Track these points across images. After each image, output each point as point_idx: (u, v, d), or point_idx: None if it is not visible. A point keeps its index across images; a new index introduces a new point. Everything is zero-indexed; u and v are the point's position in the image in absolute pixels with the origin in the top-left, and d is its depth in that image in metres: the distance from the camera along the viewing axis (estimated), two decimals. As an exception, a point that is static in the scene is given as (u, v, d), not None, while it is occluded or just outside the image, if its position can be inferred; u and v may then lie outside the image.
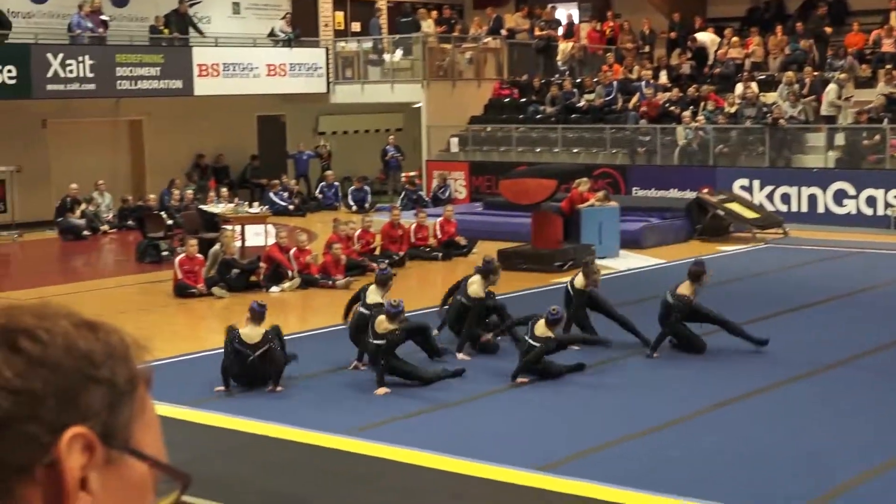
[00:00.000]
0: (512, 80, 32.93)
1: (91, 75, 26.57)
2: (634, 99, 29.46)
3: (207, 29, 30.25)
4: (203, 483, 6.85)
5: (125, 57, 27.43)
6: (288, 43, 31.40)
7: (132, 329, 1.29)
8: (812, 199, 25.01)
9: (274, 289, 18.10)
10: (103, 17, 28.28)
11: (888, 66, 27.16)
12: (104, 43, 27.95)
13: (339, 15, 35.29)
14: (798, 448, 9.79)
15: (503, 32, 33.48)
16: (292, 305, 17.48)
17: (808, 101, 26.99)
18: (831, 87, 26.72)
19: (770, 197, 25.42)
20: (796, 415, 10.86)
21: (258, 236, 21.58)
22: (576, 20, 35.46)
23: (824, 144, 26.16)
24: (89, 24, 27.64)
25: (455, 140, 31.10)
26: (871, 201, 24.38)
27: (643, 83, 29.78)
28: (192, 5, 30.38)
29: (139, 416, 1.23)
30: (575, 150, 29.21)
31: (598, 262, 20.11)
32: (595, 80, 30.95)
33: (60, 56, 26.10)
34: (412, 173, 30.37)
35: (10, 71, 25.25)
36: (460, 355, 13.12)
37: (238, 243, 19.96)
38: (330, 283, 18.10)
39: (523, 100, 32.06)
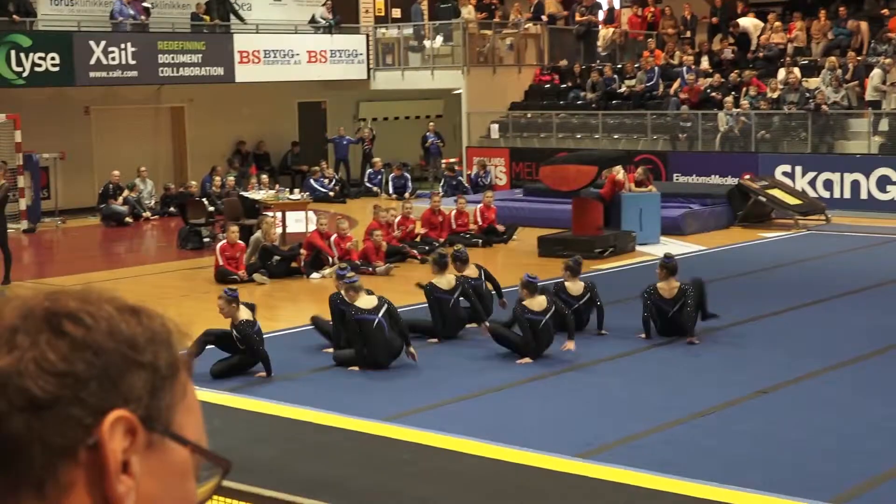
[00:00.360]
0: (552, 66, 32.83)
1: (133, 62, 26.74)
2: (675, 85, 29.31)
3: (248, 16, 30.34)
4: (242, 468, 6.91)
5: (167, 44, 27.57)
6: (328, 29, 31.45)
7: (173, 315, 1.31)
8: (855, 186, 24.81)
9: (314, 275, 18.17)
10: (145, 5, 28.45)
11: (933, 51, 26.90)
12: (146, 30, 28.12)
13: (380, 1, 35.32)
14: (837, 436, 9.73)
15: (544, 18, 33.39)
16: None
17: (851, 86, 26.75)
18: (876, 72, 26.47)
19: (812, 183, 25.23)
20: (835, 403, 10.80)
21: (299, 223, 21.67)
22: (616, 5, 35.30)
23: (868, 130, 25.93)
24: (131, 12, 27.80)
25: (495, 126, 31.06)
26: (916, 188, 24.19)
27: (684, 69, 29.62)
28: (233, -8, 30.50)
29: (180, 400, 1.24)
30: (615, 137, 29.11)
31: (638, 248, 20.14)
32: (636, 65, 30.82)
33: (103, 43, 26.28)
34: (452, 160, 30.36)
35: (53, 58, 25.45)
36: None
37: (279, 230, 20.05)
38: (370, 269, 18.13)
39: (564, 86, 31.97)
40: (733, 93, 27.91)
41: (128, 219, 26.13)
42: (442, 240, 20.62)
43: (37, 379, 1.15)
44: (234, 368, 12.04)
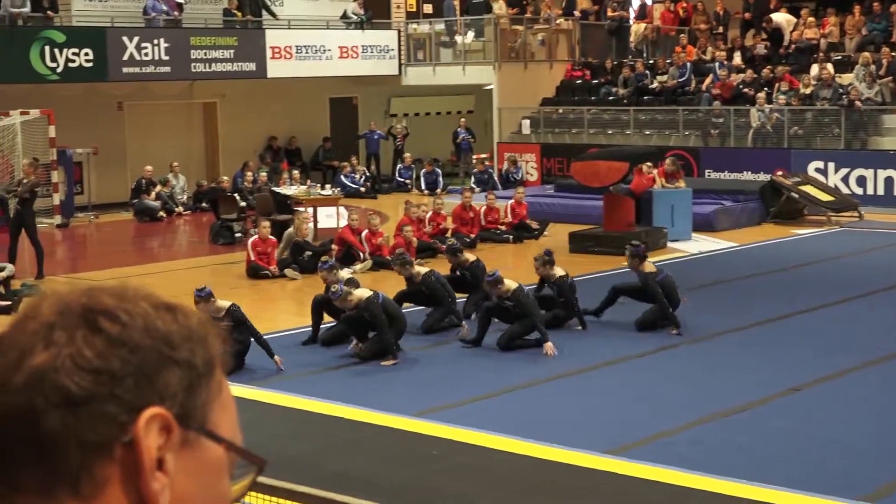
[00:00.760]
0: (584, 62, 32.77)
1: (166, 58, 26.87)
2: (708, 80, 29.19)
3: (280, 11, 30.40)
4: (274, 464, 6.92)
5: (199, 40, 27.68)
6: (360, 25, 31.49)
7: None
8: (888, 182, 24.64)
9: (346, 270, 18.20)
10: (178, 0, 28.56)
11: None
12: (179, 26, 28.23)
13: (411, -3, 35.34)
14: (867, 435, 9.68)
15: (576, 13, 33.31)
16: (364, 287, 17.52)
17: (885, 81, 26.57)
18: (910, 67, 26.31)
19: (845, 180, 25.08)
20: (867, 401, 10.73)
21: (330, 218, 21.71)
22: (649, 1, 35.18)
23: (902, 126, 25.77)
24: (164, 7, 27.92)
25: (526, 122, 31.03)
26: (950, 184, 24.02)
27: (717, 64, 29.49)
28: (265, -12, 30.57)
29: (216, 398, 1.23)
30: (647, 133, 29.03)
31: (670, 244, 20.09)
32: (668, 61, 30.72)
33: (136, 39, 26.42)
34: (483, 155, 30.34)
35: (86, 54, 25.60)
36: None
37: (310, 225, 20.09)
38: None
39: (595, 81, 31.91)
40: (766, 89, 27.78)
41: (160, 214, 26.25)
42: (473, 235, 20.62)
43: (73, 375, 1.16)
44: None
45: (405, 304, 13.75)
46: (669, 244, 20.17)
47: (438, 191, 28.21)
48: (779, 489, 8.09)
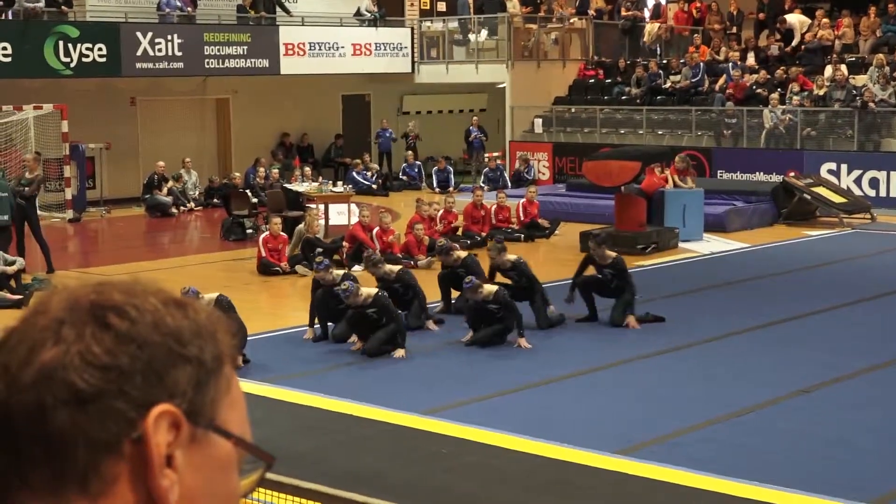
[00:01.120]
0: (597, 61, 32.74)
1: (179, 54, 26.91)
2: (721, 81, 29.14)
3: (294, 8, 30.43)
4: (282, 460, 6.93)
5: (213, 36, 27.72)
6: (374, 22, 31.49)
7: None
8: (901, 184, 24.59)
9: (356, 267, 18.19)
10: (192, -4, 28.62)
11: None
12: (192, 22, 28.27)
13: (425, -6, 35.34)
14: (878, 437, 9.66)
15: (591, 13, 33.28)
16: (374, 284, 17.54)
17: (899, 84, 26.52)
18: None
19: (858, 181, 25.02)
20: (878, 403, 10.70)
21: (341, 215, 21.72)
22: (663, 1, 35.12)
23: (915, 128, 25.70)
24: (178, 3, 27.97)
25: (539, 121, 31.01)
26: (963, 187, 23.94)
27: (730, 65, 29.45)
28: (279, -15, 30.60)
29: (225, 394, 1.23)
30: (660, 132, 29.00)
31: (681, 245, 20.06)
32: (681, 61, 30.67)
33: (149, 35, 26.46)
34: (495, 154, 30.34)
35: (100, 49, 25.65)
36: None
37: (322, 222, 20.11)
38: (412, 262, 18.15)
39: (608, 81, 31.88)
40: (779, 89, 27.72)
41: (172, 209, 26.29)
42: (484, 234, 20.62)
43: (81, 372, 1.15)
44: None
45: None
46: (681, 244, 20.14)
47: (450, 189, 28.22)
48: (787, 491, 8.07)
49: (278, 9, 30.05)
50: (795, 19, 30.74)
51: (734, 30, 32.85)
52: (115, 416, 1.16)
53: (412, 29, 32.62)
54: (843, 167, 25.26)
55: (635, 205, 20.15)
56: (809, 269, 18.06)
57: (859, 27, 29.79)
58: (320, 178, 23.91)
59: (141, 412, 1.16)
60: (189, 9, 28.35)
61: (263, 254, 18.06)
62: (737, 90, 28.34)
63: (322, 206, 21.36)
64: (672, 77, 30.35)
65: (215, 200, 26.40)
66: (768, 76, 28.47)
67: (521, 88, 31.04)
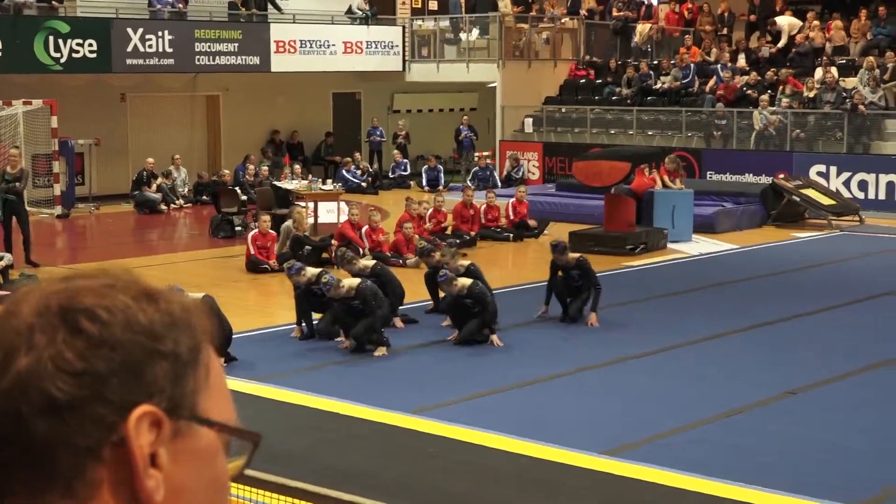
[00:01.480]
0: (588, 61, 32.75)
1: (170, 50, 26.86)
2: (711, 82, 29.18)
3: (285, 6, 30.39)
4: (271, 458, 6.92)
5: (204, 32, 27.67)
6: (365, 21, 31.47)
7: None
8: (890, 187, 24.63)
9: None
10: (183, -7, 28.56)
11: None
12: (183, 18, 28.21)
13: (416, -7, 35.32)
14: (867, 438, 9.67)
15: (583, 13, 33.29)
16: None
17: (889, 86, 26.55)
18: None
19: (847, 184, 25.07)
20: (866, 405, 10.72)
21: (331, 213, 21.70)
22: (654, 1, 35.14)
23: (905, 131, 25.75)
24: (169, 0, 27.91)
25: (529, 121, 31.01)
26: (951, 190, 23.99)
27: (720, 66, 29.49)
28: (270, -18, 30.55)
29: (204, 383, 1.21)
30: (650, 133, 29.02)
31: (670, 245, 20.08)
32: (672, 62, 30.71)
33: (140, 31, 26.40)
34: (485, 153, 30.34)
35: (90, 45, 25.59)
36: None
37: (311, 220, 20.07)
38: (401, 261, 18.13)
39: (599, 81, 31.90)
40: (769, 91, 27.76)
41: (161, 206, 26.23)
42: (473, 233, 20.62)
43: (55, 380, 1.13)
44: None
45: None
46: (670, 245, 20.16)
47: (440, 188, 28.21)
48: (776, 493, 8.07)
49: (269, 6, 30.02)
50: (785, 21, 30.78)
51: (725, 31, 32.91)
52: (95, 421, 1.13)
53: (403, 27, 32.61)
54: (833, 169, 25.31)
55: (625, 205, 20.16)
56: (798, 271, 18.09)
57: (850, 30, 29.84)
58: (310, 176, 23.86)
59: (121, 414, 1.14)
60: (180, 5, 28.30)
61: (252, 251, 18.03)
62: (727, 91, 28.37)
63: (311, 204, 21.32)
64: (663, 78, 30.38)
65: (204, 197, 26.36)
66: (759, 78, 28.51)
67: (512, 88, 31.04)
